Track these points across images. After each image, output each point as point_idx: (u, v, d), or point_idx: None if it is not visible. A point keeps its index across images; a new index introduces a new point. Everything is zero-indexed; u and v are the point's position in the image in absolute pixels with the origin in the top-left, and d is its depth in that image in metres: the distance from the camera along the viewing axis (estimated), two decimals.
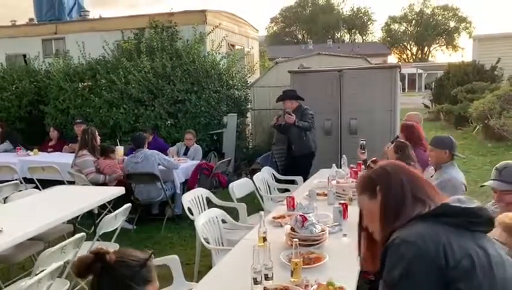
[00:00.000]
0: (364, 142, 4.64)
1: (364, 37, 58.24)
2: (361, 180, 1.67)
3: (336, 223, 3.03)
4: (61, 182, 5.59)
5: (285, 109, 5.85)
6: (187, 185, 5.74)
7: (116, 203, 4.70)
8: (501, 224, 1.99)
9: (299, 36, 58.57)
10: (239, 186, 4.55)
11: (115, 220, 3.52)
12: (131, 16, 9.36)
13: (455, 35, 54.90)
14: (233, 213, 4.26)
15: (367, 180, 1.63)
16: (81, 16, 11.28)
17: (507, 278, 1.35)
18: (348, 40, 56.05)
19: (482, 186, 2.68)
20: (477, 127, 11.83)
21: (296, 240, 2.28)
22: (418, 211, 1.44)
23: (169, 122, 7.44)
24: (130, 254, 1.47)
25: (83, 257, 1.44)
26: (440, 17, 55.47)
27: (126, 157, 5.66)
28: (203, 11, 8.65)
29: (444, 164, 3.51)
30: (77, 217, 4.67)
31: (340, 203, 3.24)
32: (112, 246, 3.55)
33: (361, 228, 1.70)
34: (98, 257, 1.40)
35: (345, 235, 2.89)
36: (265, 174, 5.20)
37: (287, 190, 5.20)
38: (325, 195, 3.86)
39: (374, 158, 2.73)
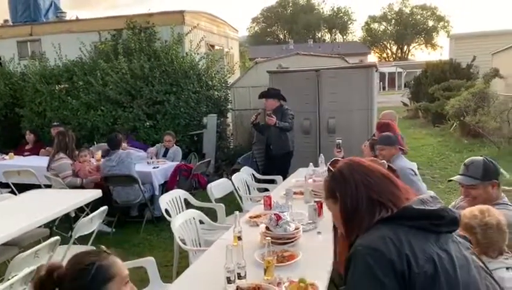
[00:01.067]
0: (340, 141, 4.71)
1: (344, 37, 58.80)
2: (324, 186, 1.62)
3: (310, 221, 3.06)
4: (38, 186, 5.51)
5: (266, 107, 5.90)
6: (166, 187, 5.72)
7: (95, 206, 4.65)
8: (460, 224, 2.04)
9: (281, 36, 58.78)
10: (217, 187, 4.56)
11: (91, 223, 3.49)
12: (108, 17, 9.29)
13: (434, 34, 55.90)
14: (213, 214, 4.28)
15: (327, 185, 1.59)
16: (57, 17, 11.12)
17: (470, 283, 1.34)
18: (328, 40, 56.48)
19: (449, 180, 2.73)
20: (454, 124, 12.07)
21: (269, 238, 2.31)
22: (380, 215, 1.40)
23: (148, 123, 7.40)
24: (81, 261, 1.45)
25: (37, 276, 1.42)
26: (419, 17, 56.39)
27: (102, 160, 5.61)
28: (181, 12, 8.63)
29: (391, 158, 3.76)
30: (54, 221, 4.63)
31: (315, 202, 3.29)
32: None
33: (336, 229, 1.67)
34: (49, 273, 1.40)
35: (319, 233, 2.93)
36: (244, 175, 5.22)
37: (266, 190, 5.23)
38: (302, 194, 3.90)
39: (334, 159, 2.73)
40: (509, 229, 2.22)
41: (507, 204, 2.45)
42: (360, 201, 1.45)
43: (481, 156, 2.60)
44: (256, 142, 7.56)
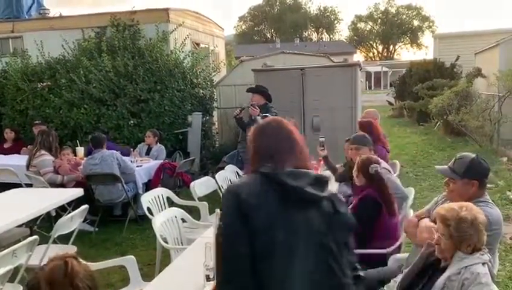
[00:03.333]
0: (323, 139, 4.72)
1: (331, 36, 59.12)
2: None
3: None
4: (18, 185, 5.43)
5: (252, 102, 5.92)
6: (150, 185, 5.67)
7: (77, 205, 4.60)
8: (437, 216, 2.07)
9: (268, 35, 58.82)
10: (200, 185, 4.55)
11: (71, 222, 3.45)
12: (92, 14, 9.15)
13: (419, 33, 56.54)
14: (198, 212, 4.27)
15: None
16: (40, 14, 10.93)
17: (290, 245, 1.59)
18: (315, 39, 56.69)
19: (437, 168, 2.78)
20: (438, 123, 12.21)
21: None
22: (261, 167, 1.68)
23: (132, 122, 7.33)
24: None
25: None
26: (404, 16, 56.99)
27: (85, 159, 5.54)
28: (166, 10, 8.56)
29: None
30: (35, 220, 4.56)
31: None
32: (69, 249, 3.49)
33: None
34: None
35: None
36: (228, 173, 5.21)
37: None
38: None
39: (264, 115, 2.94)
40: (489, 228, 2.27)
41: (487, 202, 2.46)
42: (256, 149, 1.77)
43: (476, 154, 2.59)
44: (242, 141, 7.53)
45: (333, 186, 4.33)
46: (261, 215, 1.59)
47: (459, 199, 2.35)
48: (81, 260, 1.52)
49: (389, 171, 3.80)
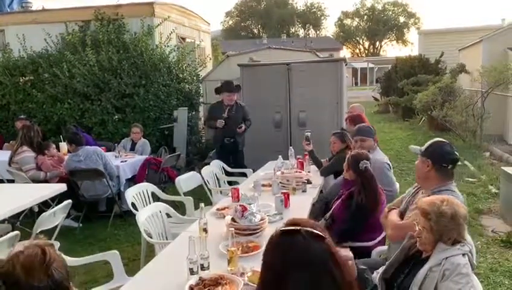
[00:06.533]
0: (309, 134, 4.74)
1: (318, 32, 59.19)
2: None
3: (277, 213, 3.08)
4: (0, 181, 5.35)
5: (230, 100, 5.95)
6: (134, 181, 5.62)
7: (61, 201, 4.54)
8: (419, 209, 2.08)
9: (255, 31, 58.65)
10: (186, 180, 4.53)
11: (54, 217, 3.41)
12: (75, 7, 9.00)
13: (405, 30, 56.96)
14: (184, 207, 4.25)
15: None
16: (22, 7, 10.74)
17: None
18: (302, 35, 56.72)
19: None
20: (423, 118, 12.35)
21: (232, 229, 2.31)
22: None
23: (116, 117, 7.26)
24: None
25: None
26: (390, 13, 57.33)
27: (67, 155, 5.47)
28: (151, 4, 8.47)
29: (369, 149, 3.79)
30: (18, 216, 4.50)
31: (282, 193, 3.31)
32: None
33: None
34: None
35: None
36: (213, 168, 5.20)
37: (236, 183, 5.22)
38: (270, 186, 3.91)
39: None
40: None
41: (452, 191, 2.48)
42: None
43: (446, 141, 2.63)
44: None
45: (318, 180, 4.36)
46: None
47: (417, 178, 2.59)
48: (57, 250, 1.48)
49: (389, 166, 3.80)
